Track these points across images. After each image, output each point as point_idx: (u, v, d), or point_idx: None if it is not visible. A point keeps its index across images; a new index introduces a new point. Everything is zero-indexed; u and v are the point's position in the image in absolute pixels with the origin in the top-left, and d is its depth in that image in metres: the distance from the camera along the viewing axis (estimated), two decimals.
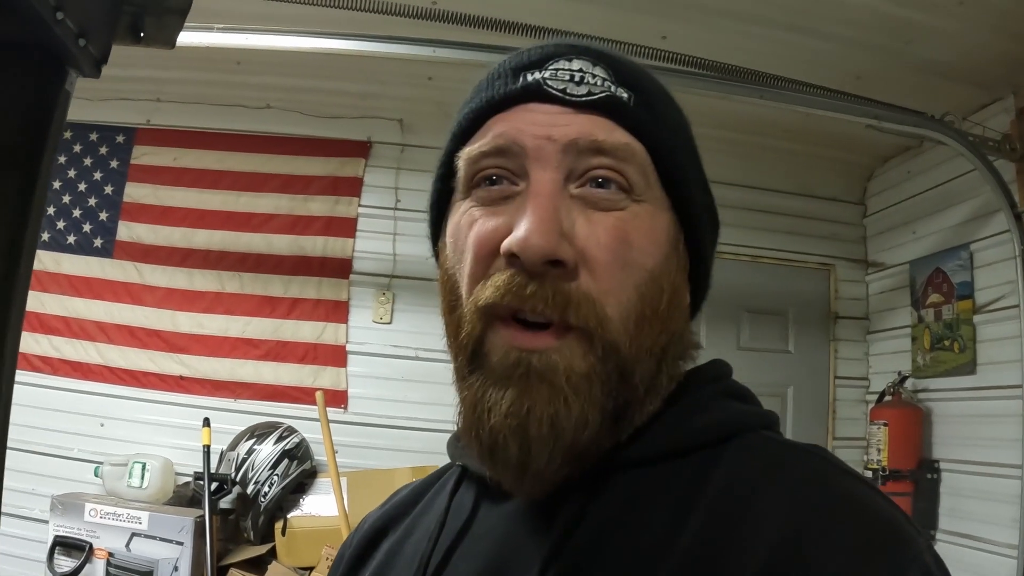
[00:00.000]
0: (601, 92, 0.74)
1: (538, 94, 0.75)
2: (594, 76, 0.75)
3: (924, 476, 3.77)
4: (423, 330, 4.04)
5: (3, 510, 2.87)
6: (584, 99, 0.74)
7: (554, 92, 0.74)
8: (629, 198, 0.73)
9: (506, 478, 0.74)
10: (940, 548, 3.59)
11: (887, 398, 3.97)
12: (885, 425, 3.83)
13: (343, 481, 3.53)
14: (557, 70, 0.75)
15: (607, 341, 0.70)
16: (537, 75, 0.76)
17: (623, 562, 0.68)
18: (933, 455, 3.82)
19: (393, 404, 4.03)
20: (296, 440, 3.77)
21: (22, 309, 1.09)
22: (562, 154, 0.72)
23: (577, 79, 0.75)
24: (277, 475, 3.62)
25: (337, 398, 4.00)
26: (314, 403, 3.54)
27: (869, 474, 3.84)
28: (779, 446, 0.76)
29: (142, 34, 1.19)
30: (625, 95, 0.75)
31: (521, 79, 0.76)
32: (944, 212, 3.94)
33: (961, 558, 3.53)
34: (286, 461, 3.67)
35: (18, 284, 1.06)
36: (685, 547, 0.65)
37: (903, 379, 3.95)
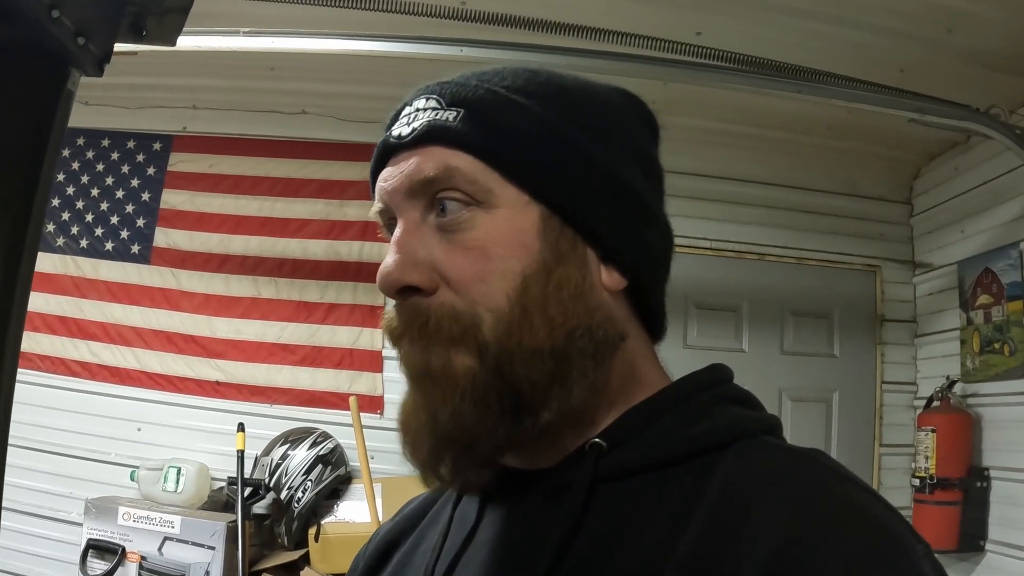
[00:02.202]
0: (422, 125, 0.78)
1: (386, 148, 0.81)
2: (424, 111, 0.79)
3: (974, 484, 3.65)
4: None
5: (40, 513, 2.92)
6: (410, 137, 0.78)
7: (393, 142, 0.80)
8: (479, 209, 0.76)
9: (416, 471, 0.79)
10: (990, 559, 3.56)
11: (935, 403, 3.86)
12: (933, 431, 3.72)
13: (378, 487, 3.51)
14: (401, 118, 0.81)
15: (480, 345, 0.74)
16: (389, 130, 0.82)
17: (622, 572, 0.69)
18: (983, 462, 3.70)
19: None
20: (330, 446, 3.76)
21: (24, 306, 1.06)
22: (408, 199, 0.78)
23: (409, 120, 0.80)
24: (311, 480, 3.60)
25: (373, 404, 3.98)
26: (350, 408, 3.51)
27: (917, 482, 3.75)
28: (779, 452, 0.75)
29: (144, 32, 1.16)
30: (452, 115, 0.78)
31: (384, 137, 0.83)
32: (993, 210, 3.82)
33: (1013, 570, 3.43)
34: (320, 466, 3.65)
35: (20, 281, 1.04)
36: (684, 555, 0.66)
37: (951, 383, 3.84)
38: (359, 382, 4.00)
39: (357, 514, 3.61)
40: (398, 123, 0.81)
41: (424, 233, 0.77)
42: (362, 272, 4.08)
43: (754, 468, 0.71)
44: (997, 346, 3.69)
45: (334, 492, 3.73)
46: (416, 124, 0.78)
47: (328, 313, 4.07)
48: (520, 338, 0.73)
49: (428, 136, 0.77)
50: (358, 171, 4.14)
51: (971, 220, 3.98)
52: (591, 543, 0.72)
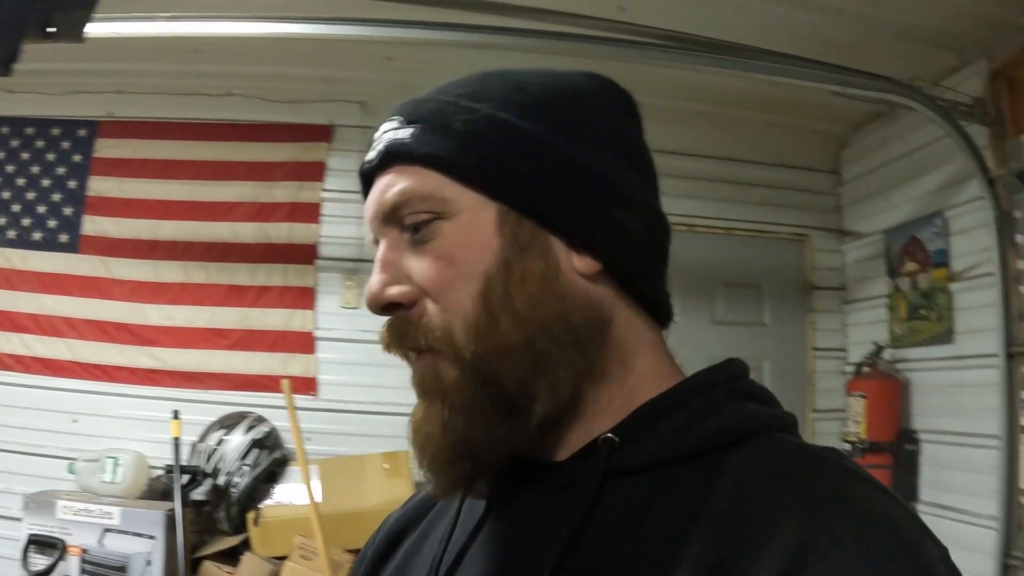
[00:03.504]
0: (384, 147, 0.80)
1: (362, 175, 0.84)
2: (387, 132, 0.81)
3: (903, 448, 3.73)
4: None
5: None
6: (376, 162, 0.81)
7: (365, 168, 0.83)
8: (443, 220, 0.76)
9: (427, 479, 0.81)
10: (922, 520, 3.61)
11: (864, 369, 3.93)
12: (863, 397, 3.79)
13: (315, 468, 3.51)
14: (374, 143, 0.82)
15: (457, 353, 0.75)
16: (367, 155, 0.83)
17: (632, 569, 0.68)
18: (912, 426, 3.78)
19: (364, 389, 3.99)
20: (266, 429, 3.75)
21: None
22: (384, 225, 0.80)
23: (376, 144, 0.81)
24: (247, 465, 3.59)
25: (307, 385, 3.97)
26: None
27: (848, 447, 3.82)
28: (792, 450, 0.73)
29: (51, 30, 1.15)
30: (408, 132, 0.78)
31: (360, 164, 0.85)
32: (918, 179, 3.90)
33: (943, 530, 3.49)
34: (256, 451, 3.64)
35: None
36: (694, 557, 0.65)
37: (880, 350, 3.91)
38: (293, 364, 3.99)
39: (295, 497, 3.59)
40: (371, 148, 0.82)
41: (403, 249, 0.78)
42: (292, 254, 4.06)
43: (767, 467, 0.70)
44: (924, 312, 3.77)
45: (272, 475, 3.72)
46: (380, 147, 0.80)
47: (259, 296, 4.04)
48: (491, 338, 0.74)
49: (388, 157, 0.79)
50: (285, 152, 4.13)
51: (897, 189, 4.04)
52: (600, 539, 0.71)
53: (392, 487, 3.63)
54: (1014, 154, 3.34)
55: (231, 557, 3.52)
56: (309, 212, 4.09)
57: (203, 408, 3.89)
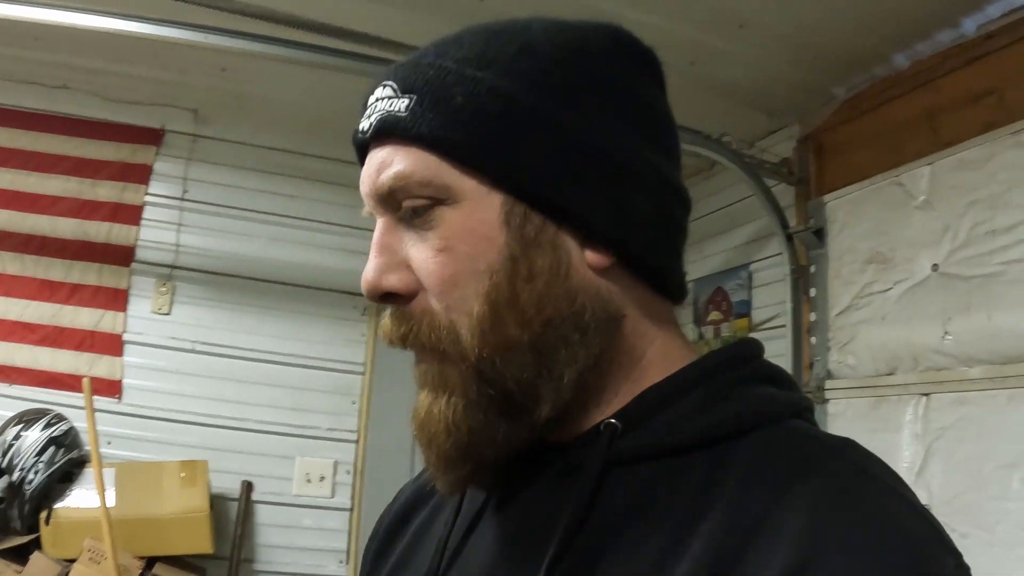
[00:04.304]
0: (377, 118, 0.74)
1: (355, 145, 0.79)
2: (381, 100, 0.74)
3: None
4: (202, 323, 4.00)
5: None
6: (369, 134, 0.74)
7: (358, 138, 0.77)
8: (444, 206, 0.71)
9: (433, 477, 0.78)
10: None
11: None
12: None
13: (111, 472, 3.48)
14: (366, 109, 0.76)
15: (462, 355, 0.71)
16: (360, 123, 0.78)
17: (630, 563, 0.66)
18: None
19: (168, 396, 3.99)
20: (65, 428, 3.68)
21: None
22: (379, 204, 0.74)
23: (368, 113, 0.75)
24: (43, 462, 3.52)
25: (112, 388, 3.92)
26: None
27: None
28: (803, 442, 0.69)
29: None
30: (404, 104, 0.72)
31: (353, 132, 0.79)
32: (730, 233, 4.09)
33: None
34: (53, 448, 3.58)
35: None
36: (696, 553, 0.62)
37: None
38: (99, 365, 3.92)
39: (90, 499, 3.53)
40: (363, 115, 0.76)
41: (400, 233, 0.74)
42: (108, 254, 4.01)
43: (775, 462, 0.66)
44: None
45: (68, 475, 3.65)
46: (373, 117, 0.74)
47: (72, 293, 3.96)
48: (496, 339, 0.70)
49: (381, 131, 0.73)
50: (113, 151, 4.08)
51: (711, 241, 4.23)
52: (601, 528, 0.69)
53: (187, 496, 3.63)
54: (814, 213, 3.52)
55: (21, 556, 3.44)
56: (130, 214, 4.05)
57: (4, 402, 3.80)
